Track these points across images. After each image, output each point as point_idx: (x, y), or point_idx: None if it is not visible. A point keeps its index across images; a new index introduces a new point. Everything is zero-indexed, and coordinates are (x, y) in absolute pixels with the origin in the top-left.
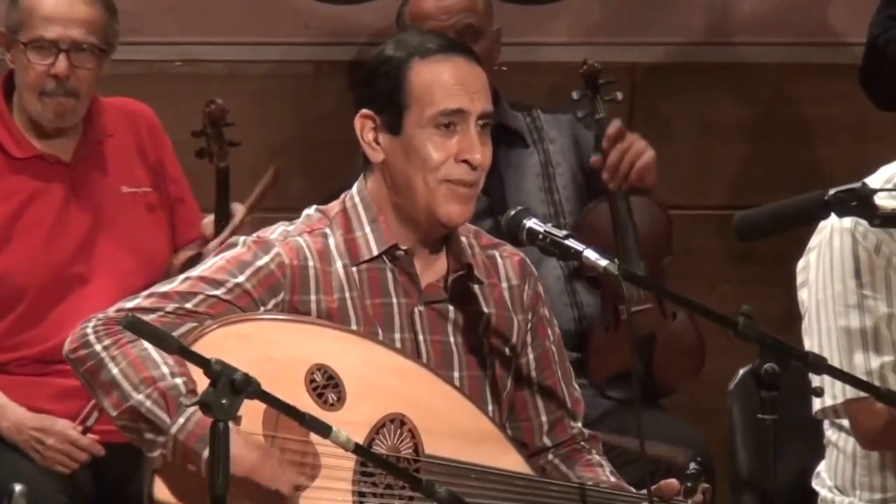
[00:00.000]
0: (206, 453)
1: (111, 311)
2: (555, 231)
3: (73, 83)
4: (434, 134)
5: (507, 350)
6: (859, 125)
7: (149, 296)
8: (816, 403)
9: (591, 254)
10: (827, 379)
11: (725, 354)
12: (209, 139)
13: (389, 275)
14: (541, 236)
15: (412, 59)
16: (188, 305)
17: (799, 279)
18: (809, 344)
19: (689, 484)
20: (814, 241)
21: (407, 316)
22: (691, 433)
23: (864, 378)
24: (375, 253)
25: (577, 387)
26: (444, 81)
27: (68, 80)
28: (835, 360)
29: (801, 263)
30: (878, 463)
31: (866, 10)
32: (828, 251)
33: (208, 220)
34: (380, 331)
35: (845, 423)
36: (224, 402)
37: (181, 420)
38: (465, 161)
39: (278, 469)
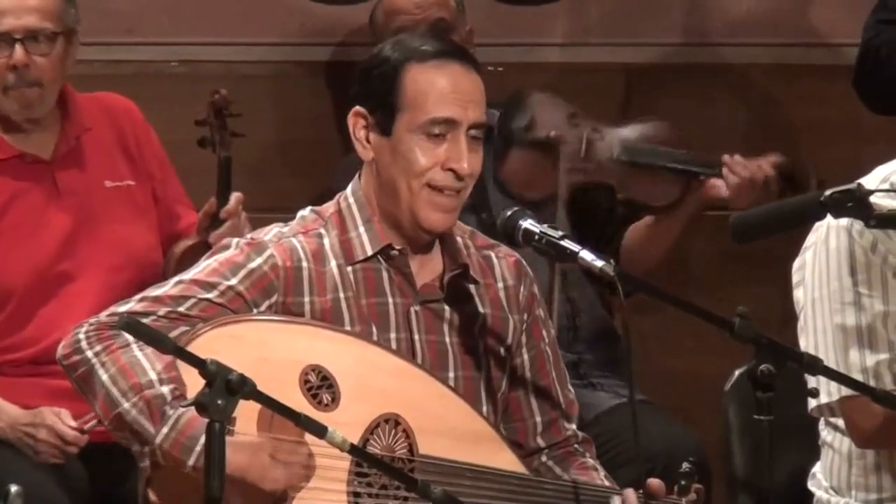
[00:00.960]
0: (191, 461)
1: (103, 316)
2: (551, 231)
3: (33, 72)
4: (423, 140)
5: (502, 350)
6: (855, 126)
7: (141, 300)
8: (812, 401)
9: (587, 254)
10: (822, 377)
11: (721, 355)
12: (212, 128)
13: (385, 274)
14: (537, 237)
15: (409, 63)
16: (181, 309)
17: (794, 279)
18: (805, 342)
19: (682, 482)
20: (810, 240)
21: (403, 315)
22: (687, 433)
23: (860, 375)
24: (370, 253)
25: (571, 388)
26: (439, 89)
27: (28, 70)
28: (830, 358)
29: (796, 263)
30: (873, 463)
31: (861, 11)
32: (824, 249)
33: (209, 204)
34: (375, 330)
35: (840, 422)
36: (220, 402)
37: (165, 430)
38: (452, 170)
39: (268, 467)
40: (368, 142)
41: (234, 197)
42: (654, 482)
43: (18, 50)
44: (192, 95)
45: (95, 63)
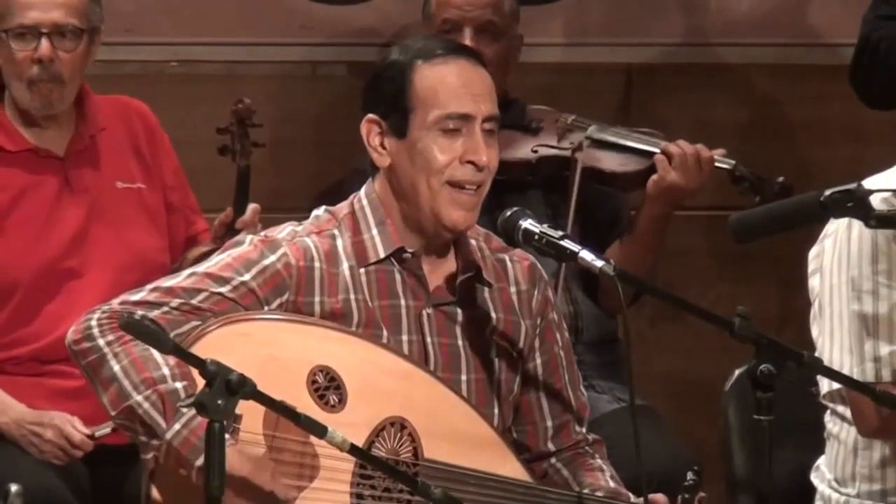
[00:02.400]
0: (198, 462)
1: (115, 304)
2: (551, 232)
3: (57, 67)
4: (439, 137)
5: (514, 354)
6: (855, 126)
7: (153, 290)
8: (824, 386)
9: (586, 255)
10: (834, 361)
11: (721, 355)
12: (233, 137)
13: (398, 276)
14: (537, 237)
15: (416, 63)
16: (193, 301)
17: (811, 266)
18: (819, 329)
19: (686, 495)
20: (829, 228)
21: (415, 318)
22: (683, 449)
23: (873, 364)
24: (382, 255)
25: (583, 391)
26: (449, 84)
27: (52, 65)
28: (845, 345)
29: (813, 251)
30: (878, 455)
31: (862, 11)
32: (846, 237)
33: (226, 213)
34: (386, 332)
35: (848, 412)
36: (220, 402)
37: (177, 426)
38: (471, 162)
39: (270, 482)
40: (384, 147)
41: (251, 209)
42: (657, 497)
43: (45, 44)
44: (192, 96)
45: (95, 63)
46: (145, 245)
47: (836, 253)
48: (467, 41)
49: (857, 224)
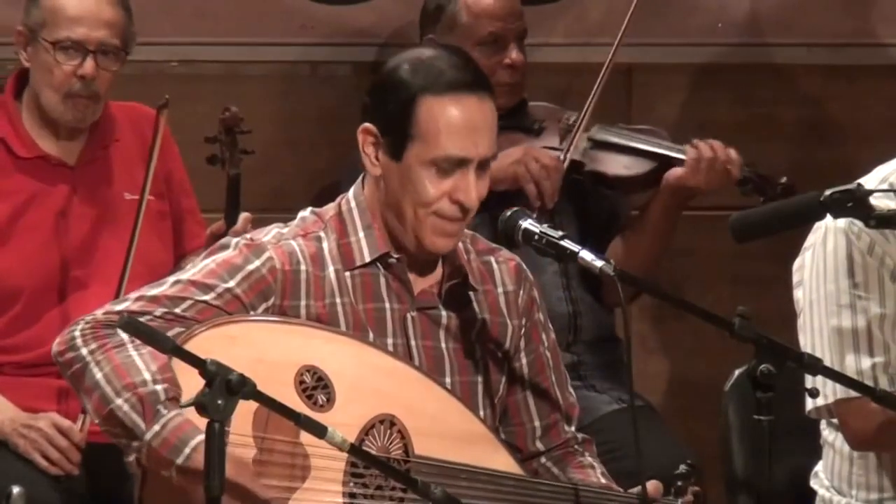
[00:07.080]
0: (178, 461)
1: (99, 314)
2: (551, 232)
3: (96, 85)
4: (432, 174)
5: (500, 355)
6: (855, 126)
7: (138, 299)
8: (809, 403)
9: (586, 254)
10: (819, 378)
11: (721, 355)
12: (222, 146)
13: (383, 280)
14: (537, 237)
15: (425, 93)
16: (177, 310)
17: (795, 279)
18: (803, 343)
19: (679, 483)
20: (809, 240)
21: (399, 321)
22: (683, 451)
23: (855, 378)
24: (368, 260)
25: (572, 391)
26: (453, 125)
27: (93, 82)
28: (826, 360)
29: (796, 263)
30: (874, 463)
31: (859, 11)
32: (822, 251)
33: (217, 225)
34: (371, 336)
35: None
36: (220, 402)
37: (156, 427)
38: (458, 202)
39: (250, 483)
40: (377, 160)
41: (243, 218)
42: (651, 485)
43: (90, 62)
44: (192, 96)
45: None
46: (152, 258)
47: (815, 267)
48: (513, 53)
49: (831, 238)
